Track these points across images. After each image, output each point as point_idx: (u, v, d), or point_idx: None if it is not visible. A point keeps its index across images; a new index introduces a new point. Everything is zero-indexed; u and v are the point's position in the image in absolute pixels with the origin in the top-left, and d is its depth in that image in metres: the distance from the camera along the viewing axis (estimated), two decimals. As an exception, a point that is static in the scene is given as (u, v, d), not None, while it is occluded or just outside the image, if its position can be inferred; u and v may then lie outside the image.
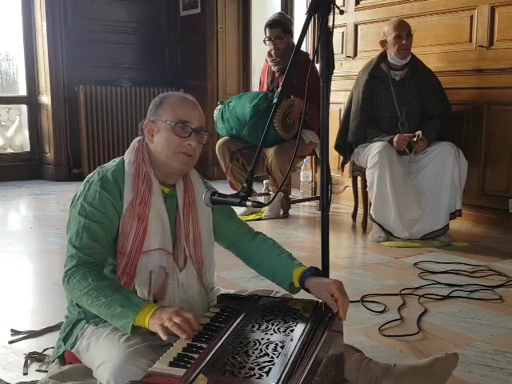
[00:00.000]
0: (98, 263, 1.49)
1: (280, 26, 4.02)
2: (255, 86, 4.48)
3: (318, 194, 4.47)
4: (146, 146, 1.60)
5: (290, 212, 4.32)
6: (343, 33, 4.47)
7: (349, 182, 4.11)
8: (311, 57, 4.16)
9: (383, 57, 3.61)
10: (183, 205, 1.62)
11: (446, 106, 3.61)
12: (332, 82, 1.61)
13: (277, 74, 4.14)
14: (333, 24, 1.57)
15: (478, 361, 1.87)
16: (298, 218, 4.32)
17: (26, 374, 1.76)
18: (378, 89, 3.57)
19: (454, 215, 3.40)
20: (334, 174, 4.43)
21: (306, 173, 4.73)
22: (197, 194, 1.65)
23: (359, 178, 3.81)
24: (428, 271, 2.85)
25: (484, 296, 2.51)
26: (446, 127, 3.60)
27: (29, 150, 6.13)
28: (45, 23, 5.67)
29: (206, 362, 1.17)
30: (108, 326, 1.49)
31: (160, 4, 6.32)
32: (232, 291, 1.72)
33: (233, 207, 1.66)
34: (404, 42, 3.47)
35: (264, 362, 1.18)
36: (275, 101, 3.68)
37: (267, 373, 1.14)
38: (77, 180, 5.71)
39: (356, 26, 4.40)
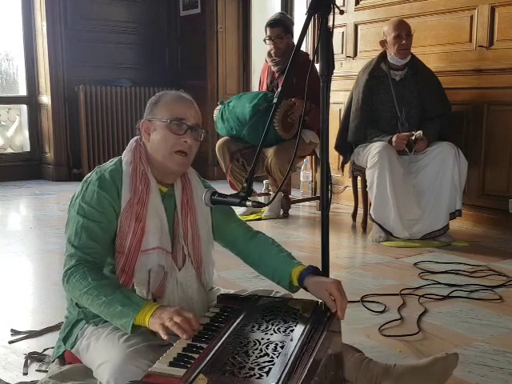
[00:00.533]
0: (98, 262, 1.49)
1: (281, 25, 4.02)
2: (255, 86, 4.48)
3: (317, 194, 4.47)
4: (143, 146, 1.61)
5: (290, 212, 4.32)
6: (343, 33, 4.47)
7: (349, 182, 4.11)
8: (311, 57, 4.16)
9: (383, 57, 3.61)
10: (181, 204, 1.62)
11: (445, 106, 3.61)
12: (332, 81, 1.61)
13: (277, 74, 4.14)
14: (333, 24, 1.57)
15: (477, 361, 1.87)
16: (298, 217, 4.32)
17: (26, 374, 1.76)
18: (377, 89, 3.57)
19: (453, 215, 3.40)
20: (334, 174, 4.43)
21: (306, 173, 4.73)
22: (195, 193, 1.65)
23: (359, 178, 3.80)
24: (428, 271, 2.85)
25: (484, 296, 2.51)
26: (445, 127, 3.59)
27: (29, 149, 6.13)
28: (45, 23, 5.67)
29: (206, 362, 1.17)
30: (108, 326, 1.49)
31: (160, 4, 6.32)
32: (232, 291, 1.72)
33: (233, 207, 1.66)
34: (404, 41, 3.47)
35: (264, 362, 1.18)
36: (275, 101, 3.68)
37: (267, 373, 1.14)
38: (77, 180, 5.70)
39: (356, 26, 4.40)
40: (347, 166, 3.92)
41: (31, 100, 6.04)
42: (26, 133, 6.14)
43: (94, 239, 1.49)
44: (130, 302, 1.38)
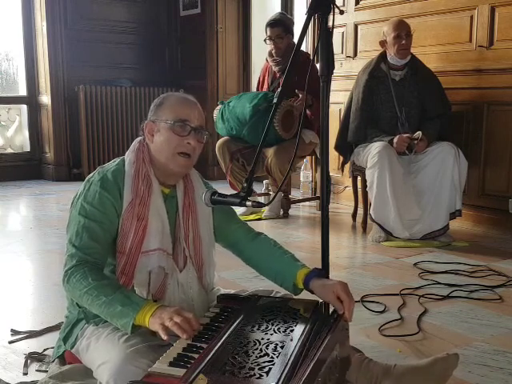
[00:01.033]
0: (98, 263, 1.50)
1: (281, 25, 4.02)
2: (255, 86, 4.48)
3: (317, 194, 4.47)
4: (146, 147, 1.61)
5: (290, 212, 4.32)
6: (343, 33, 4.47)
7: (349, 182, 4.11)
8: (311, 57, 4.16)
9: (383, 57, 3.61)
10: (183, 206, 1.62)
11: (445, 106, 3.60)
12: (332, 82, 1.61)
13: (278, 74, 4.14)
14: (333, 24, 1.57)
15: (477, 361, 1.87)
16: (298, 217, 4.32)
17: (26, 374, 1.76)
18: (377, 89, 3.57)
19: (453, 215, 3.40)
20: (334, 174, 4.43)
21: (306, 173, 4.73)
22: (197, 195, 1.65)
23: (359, 178, 3.80)
24: (428, 271, 2.85)
25: (484, 296, 2.51)
26: (446, 127, 3.59)
27: (29, 149, 6.13)
28: (45, 23, 5.67)
29: (206, 362, 1.17)
30: (108, 326, 1.49)
31: (160, 4, 6.32)
32: (232, 291, 1.72)
33: (233, 207, 1.66)
34: (404, 41, 3.47)
35: (264, 362, 1.18)
36: (275, 101, 3.68)
37: (267, 373, 1.14)
38: (77, 180, 5.71)
39: (356, 26, 4.40)
40: (347, 166, 3.92)
41: (31, 100, 6.04)
42: (26, 133, 6.14)
43: (95, 239, 1.49)
44: (130, 301, 1.38)
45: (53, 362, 1.68)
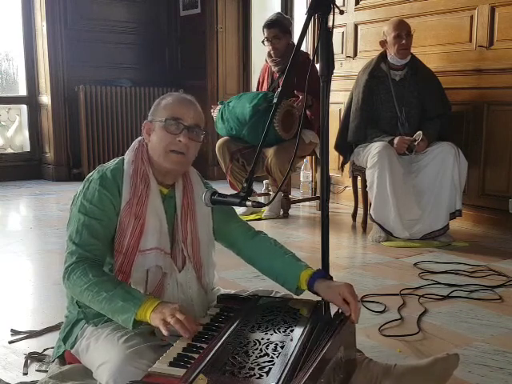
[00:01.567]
0: (98, 259, 1.50)
1: (277, 26, 4.02)
2: (255, 86, 4.48)
3: (317, 194, 4.47)
4: (145, 146, 1.62)
5: (290, 212, 4.32)
6: (343, 33, 4.47)
7: (349, 182, 4.11)
8: (311, 57, 4.16)
9: (383, 57, 3.61)
10: (181, 206, 1.62)
11: (446, 106, 3.60)
12: (332, 82, 1.60)
13: (277, 75, 4.14)
14: (333, 24, 1.57)
15: (477, 361, 1.87)
16: (298, 217, 4.32)
17: (26, 374, 1.76)
18: (377, 89, 3.57)
19: (453, 215, 3.40)
20: (334, 174, 4.43)
21: (306, 173, 4.73)
22: (196, 196, 1.65)
23: (359, 178, 3.80)
24: (428, 271, 2.85)
25: (484, 296, 2.51)
26: (446, 127, 3.59)
27: (29, 149, 6.13)
28: (45, 23, 5.67)
29: (206, 362, 1.18)
30: (108, 326, 1.49)
31: (160, 4, 6.32)
32: (232, 291, 1.72)
33: (233, 207, 1.66)
34: (404, 41, 3.47)
35: (264, 362, 1.18)
36: (275, 101, 3.68)
37: (267, 373, 1.14)
38: (77, 180, 5.71)
39: (356, 26, 4.40)
40: (347, 166, 3.92)
41: (31, 100, 6.03)
42: (26, 133, 6.14)
43: (94, 236, 1.50)
44: (132, 297, 1.38)
45: (53, 362, 1.68)
